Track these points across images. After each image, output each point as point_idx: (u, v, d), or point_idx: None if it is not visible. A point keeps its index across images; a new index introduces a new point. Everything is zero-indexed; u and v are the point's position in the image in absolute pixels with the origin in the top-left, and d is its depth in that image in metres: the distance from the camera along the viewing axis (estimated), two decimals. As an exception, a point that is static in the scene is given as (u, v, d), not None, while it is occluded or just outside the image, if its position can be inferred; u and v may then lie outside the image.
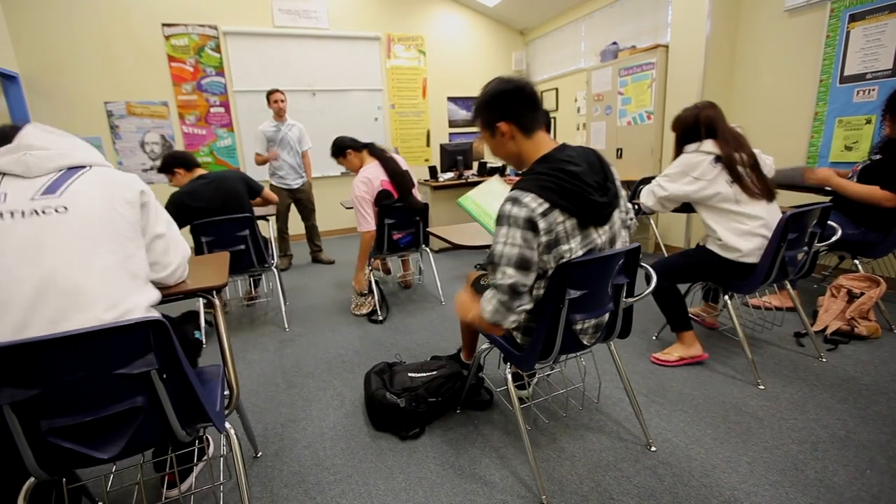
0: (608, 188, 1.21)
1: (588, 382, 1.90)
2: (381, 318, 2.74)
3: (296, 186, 4.02)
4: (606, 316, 1.39)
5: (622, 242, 1.31)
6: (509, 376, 1.42)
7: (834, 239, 1.98)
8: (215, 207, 2.50)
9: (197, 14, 4.74)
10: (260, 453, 1.59)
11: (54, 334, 0.83)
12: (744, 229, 1.84)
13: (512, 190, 1.18)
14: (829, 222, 1.98)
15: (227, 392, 1.29)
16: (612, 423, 1.67)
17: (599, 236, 1.22)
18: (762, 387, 1.83)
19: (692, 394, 1.81)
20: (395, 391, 1.69)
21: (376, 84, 5.63)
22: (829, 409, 1.66)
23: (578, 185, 1.13)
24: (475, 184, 4.65)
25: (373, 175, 2.76)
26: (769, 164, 1.96)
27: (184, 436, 1.05)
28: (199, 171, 2.64)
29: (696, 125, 1.90)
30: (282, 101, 3.81)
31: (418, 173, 5.23)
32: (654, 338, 2.33)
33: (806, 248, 1.95)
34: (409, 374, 1.76)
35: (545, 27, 5.81)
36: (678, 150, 2.02)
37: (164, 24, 4.66)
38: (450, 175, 4.44)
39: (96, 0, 4.41)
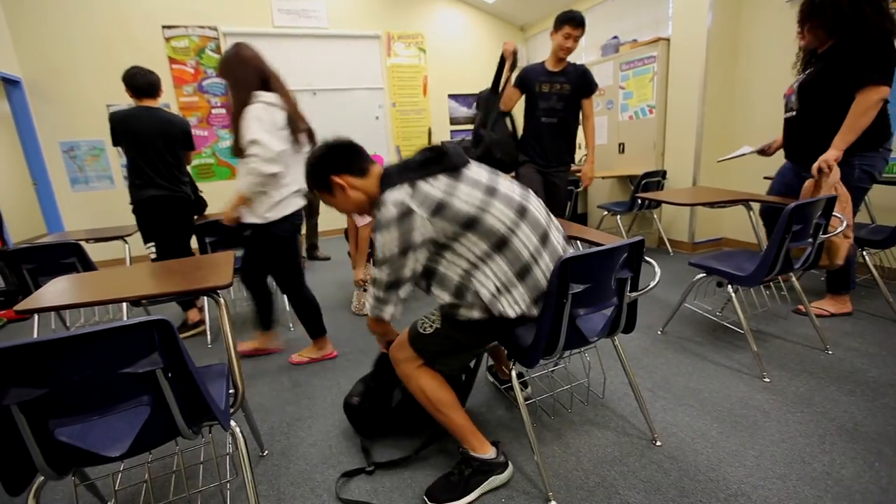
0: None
1: (592, 377, 1.90)
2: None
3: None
4: (610, 311, 1.38)
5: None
6: (513, 373, 1.42)
7: (839, 231, 1.96)
8: (145, 139, 2.46)
9: (197, 15, 4.75)
10: (266, 452, 1.60)
11: (59, 335, 0.83)
12: None
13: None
14: (835, 213, 1.96)
15: (231, 391, 1.30)
16: (617, 418, 1.66)
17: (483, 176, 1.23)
18: (768, 380, 1.82)
19: (697, 388, 1.81)
20: (357, 392, 1.63)
21: (377, 83, 5.63)
22: (836, 402, 1.65)
23: (423, 155, 1.22)
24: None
25: None
26: None
27: (190, 434, 1.06)
28: (149, 103, 2.53)
29: None
30: None
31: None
32: (658, 332, 2.33)
33: (811, 240, 1.93)
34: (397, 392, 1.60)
35: (545, 22, 5.77)
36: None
37: (164, 27, 4.67)
38: (451, 172, 4.44)
39: (96, 4, 4.43)
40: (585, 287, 1.24)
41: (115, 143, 2.52)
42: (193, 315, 2.70)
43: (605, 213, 4.05)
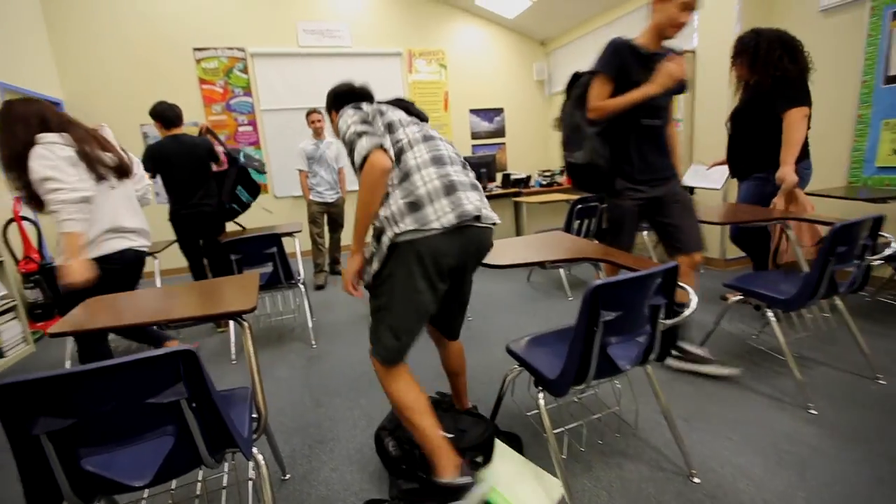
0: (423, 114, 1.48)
1: (623, 405, 1.81)
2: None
3: (331, 201, 4.13)
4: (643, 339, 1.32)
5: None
6: (541, 402, 1.37)
7: (888, 252, 1.84)
8: (177, 163, 2.89)
9: (226, 37, 4.92)
10: (288, 475, 1.58)
11: (87, 367, 0.83)
12: None
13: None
14: (883, 234, 1.85)
15: (254, 415, 1.29)
16: (650, 450, 1.58)
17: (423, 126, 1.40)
18: (814, 412, 1.70)
19: (737, 418, 1.71)
20: (401, 437, 1.47)
21: (398, 99, 5.69)
22: (893, 439, 1.52)
23: (393, 100, 1.44)
24: (499, 196, 4.61)
25: None
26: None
27: (212, 463, 1.04)
28: (176, 131, 2.95)
29: None
30: (318, 120, 3.95)
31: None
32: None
33: (857, 262, 1.82)
34: None
35: (566, 37, 5.76)
36: None
37: (195, 49, 4.85)
38: (473, 188, 4.43)
39: (135, 28, 4.65)
40: (617, 315, 1.19)
41: (154, 173, 2.87)
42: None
43: (631, 228, 3.95)
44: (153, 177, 2.90)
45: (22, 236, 3.41)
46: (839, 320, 2.39)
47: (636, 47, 1.90)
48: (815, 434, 1.58)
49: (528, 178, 4.72)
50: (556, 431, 1.62)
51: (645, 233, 3.79)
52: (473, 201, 1.27)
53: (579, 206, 3.17)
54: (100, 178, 1.83)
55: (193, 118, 4.94)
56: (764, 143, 2.33)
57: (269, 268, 2.64)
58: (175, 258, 3.44)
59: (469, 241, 1.29)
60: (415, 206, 1.21)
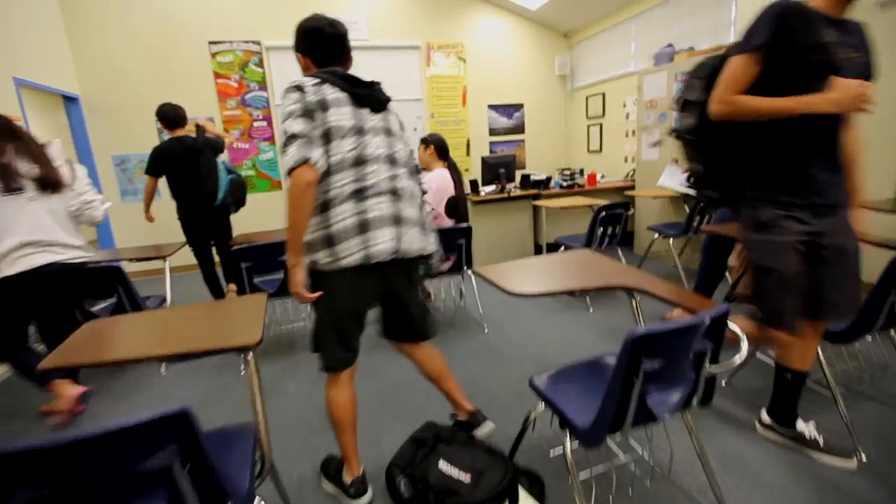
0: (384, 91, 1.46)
1: (655, 444, 1.68)
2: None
3: None
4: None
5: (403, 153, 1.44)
6: (567, 446, 1.25)
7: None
8: (180, 164, 3.00)
9: (241, 30, 4.83)
10: (294, 509, 1.50)
11: (71, 436, 0.74)
12: None
13: None
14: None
15: (258, 454, 1.20)
16: (683, 497, 1.45)
17: (372, 119, 1.37)
18: (864, 459, 1.55)
19: (777, 463, 1.56)
20: (415, 475, 1.38)
21: (416, 94, 5.54)
22: (959, 497, 1.37)
23: (346, 77, 1.37)
24: (518, 199, 4.42)
25: (446, 181, 2.87)
26: None
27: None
28: (180, 132, 3.04)
29: None
30: None
31: (457, 185, 5.12)
32: (723, 383, 2.08)
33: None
34: (442, 464, 1.38)
35: (591, 29, 5.52)
36: None
37: (210, 42, 4.76)
38: (491, 188, 4.27)
39: (151, 22, 4.58)
40: (660, 364, 1.06)
41: (158, 174, 3.05)
42: (231, 286, 3.26)
43: (656, 235, 3.76)
44: (157, 177, 3.07)
45: None
46: (892, 352, 2.21)
47: (815, 12, 1.29)
48: (866, 487, 1.43)
49: (549, 179, 4.54)
50: (582, 479, 1.51)
51: (670, 238, 3.59)
52: (387, 240, 1.30)
53: (603, 213, 3.01)
54: (7, 188, 1.78)
55: (209, 113, 4.88)
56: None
57: (280, 274, 2.57)
58: (186, 256, 3.41)
59: (387, 274, 1.37)
60: (328, 240, 1.28)
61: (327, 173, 1.26)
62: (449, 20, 5.50)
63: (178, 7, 4.63)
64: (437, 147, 2.92)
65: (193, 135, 3.13)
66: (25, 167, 1.85)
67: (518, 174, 4.57)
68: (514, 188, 4.33)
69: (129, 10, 4.52)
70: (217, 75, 4.84)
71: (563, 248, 3.45)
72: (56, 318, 2.02)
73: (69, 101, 4.44)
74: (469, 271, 2.88)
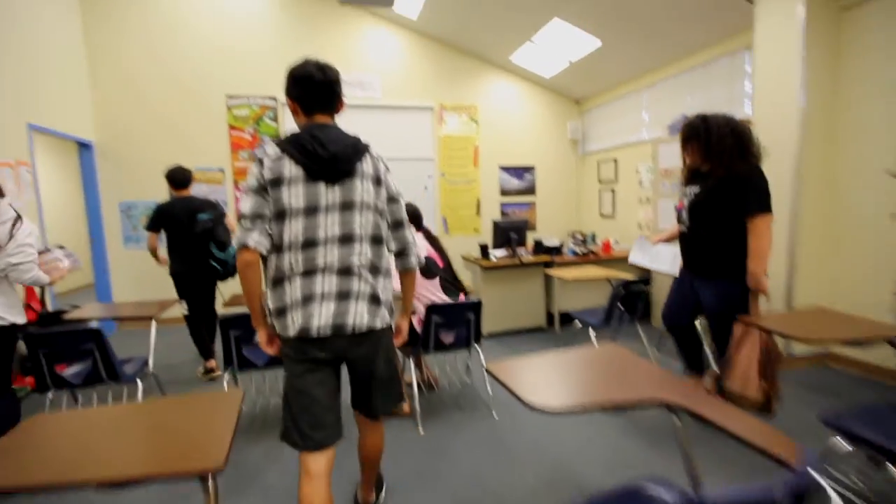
0: (349, 158, 1.34)
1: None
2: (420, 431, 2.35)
3: None
4: None
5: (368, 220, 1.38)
6: None
7: None
8: (180, 220, 3.09)
9: (259, 86, 4.93)
10: None
11: None
12: None
13: None
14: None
15: None
16: None
17: (327, 194, 1.31)
18: None
19: None
20: None
21: (428, 153, 5.57)
22: None
23: (314, 143, 1.29)
24: (532, 265, 4.22)
25: (421, 243, 2.71)
26: None
27: None
28: (184, 193, 3.19)
29: None
30: None
31: (467, 247, 4.96)
32: None
33: None
34: None
35: (603, 96, 5.61)
36: None
37: (228, 96, 4.86)
38: (502, 253, 4.11)
39: (176, 75, 4.70)
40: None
41: (157, 229, 3.14)
42: (211, 363, 3.31)
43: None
44: (157, 232, 3.16)
45: None
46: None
47: None
48: None
49: (562, 245, 4.40)
50: None
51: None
52: (325, 316, 1.29)
53: (624, 291, 2.82)
54: None
55: (220, 164, 4.89)
56: (731, 244, 2.15)
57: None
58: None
59: (337, 346, 1.34)
60: (280, 311, 1.33)
61: (280, 249, 1.31)
62: (462, 84, 5.62)
63: (203, 62, 4.76)
64: (410, 216, 2.81)
65: (198, 198, 3.24)
66: None
67: (530, 237, 4.43)
68: (525, 253, 4.17)
69: (158, 60, 4.65)
70: (232, 127, 4.89)
71: (578, 323, 3.23)
72: None
73: (83, 146, 4.46)
74: (477, 347, 2.65)
